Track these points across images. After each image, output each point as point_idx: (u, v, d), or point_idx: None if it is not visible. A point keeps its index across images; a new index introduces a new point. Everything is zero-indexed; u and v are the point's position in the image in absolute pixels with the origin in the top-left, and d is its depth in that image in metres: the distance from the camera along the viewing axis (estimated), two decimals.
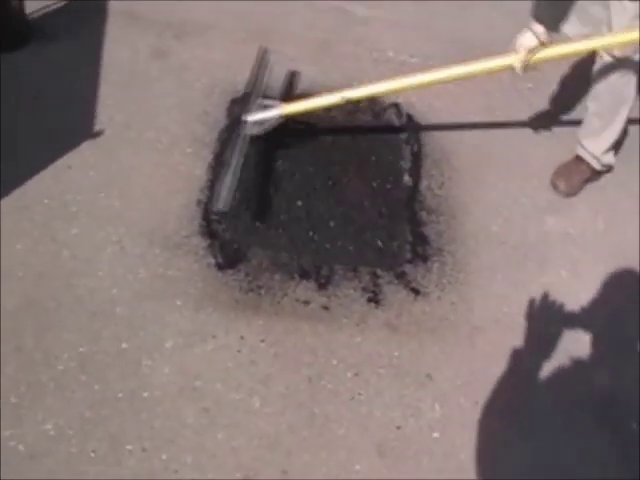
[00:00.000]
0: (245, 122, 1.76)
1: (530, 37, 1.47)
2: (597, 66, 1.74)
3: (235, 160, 1.67)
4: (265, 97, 1.84)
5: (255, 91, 1.85)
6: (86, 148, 1.77)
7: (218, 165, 1.77)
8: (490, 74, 1.62)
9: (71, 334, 1.45)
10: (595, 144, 1.88)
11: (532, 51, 1.48)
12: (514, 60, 1.51)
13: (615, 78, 1.71)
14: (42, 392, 1.36)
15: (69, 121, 1.84)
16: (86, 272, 1.55)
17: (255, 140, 1.77)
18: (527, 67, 1.52)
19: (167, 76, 2.01)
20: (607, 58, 1.69)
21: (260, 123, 1.76)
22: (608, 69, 1.71)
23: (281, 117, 1.74)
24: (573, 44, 1.53)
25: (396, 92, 1.79)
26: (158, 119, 1.88)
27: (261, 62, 1.95)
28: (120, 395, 1.38)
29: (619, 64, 1.68)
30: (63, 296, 1.50)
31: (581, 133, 1.92)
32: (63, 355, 1.42)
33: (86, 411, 1.35)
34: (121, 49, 2.05)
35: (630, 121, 1.92)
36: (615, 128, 1.83)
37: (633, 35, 1.47)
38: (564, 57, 1.59)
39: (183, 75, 2.02)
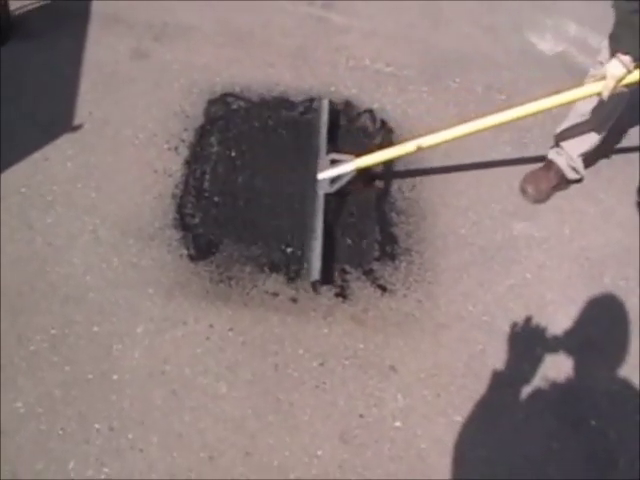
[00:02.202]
0: (319, 181, 1.90)
1: (619, 67, 1.72)
2: (597, 71, 1.94)
3: (318, 225, 1.80)
4: (333, 152, 1.98)
5: (320, 146, 1.97)
6: (64, 141, 2.01)
7: (307, 230, 1.85)
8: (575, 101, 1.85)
9: (44, 317, 1.65)
10: (573, 143, 2.12)
11: (620, 79, 1.74)
12: (602, 88, 1.76)
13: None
14: (14, 372, 1.56)
15: (48, 115, 2.08)
16: (60, 259, 1.76)
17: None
18: (613, 92, 1.77)
19: (146, 76, 2.27)
20: None
21: (334, 180, 1.91)
22: None
23: (355, 171, 1.89)
24: None
25: (476, 133, 1.88)
26: (136, 116, 2.13)
27: (320, 112, 2.08)
28: (90, 377, 1.58)
29: None
30: (37, 281, 1.71)
31: (560, 130, 2.15)
32: (35, 337, 1.62)
33: (56, 391, 1.55)
34: (102, 49, 2.31)
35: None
36: (598, 130, 2.07)
37: None
38: None
39: (162, 75, 2.28)
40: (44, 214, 1.84)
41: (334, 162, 1.93)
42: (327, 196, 1.89)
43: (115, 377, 1.59)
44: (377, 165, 2.00)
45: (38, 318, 1.65)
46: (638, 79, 1.76)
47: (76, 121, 2.06)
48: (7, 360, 1.58)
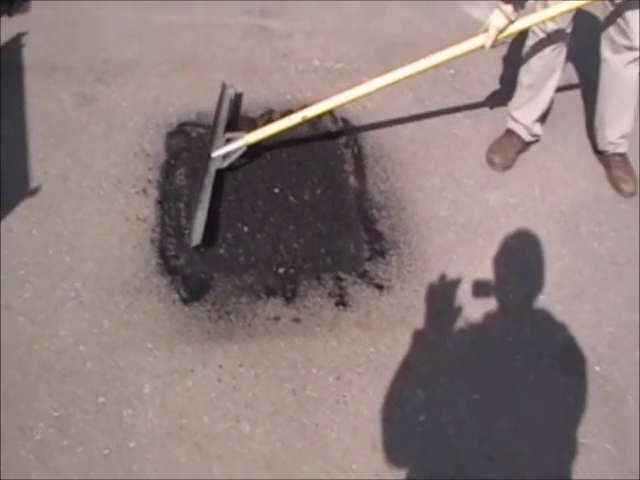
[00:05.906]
0: (212, 158, 1.76)
1: (500, 17, 1.55)
2: (530, 41, 1.84)
3: (205, 196, 1.68)
4: (228, 131, 1.85)
5: (218, 127, 1.85)
6: (25, 208, 1.70)
7: (190, 203, 1.71)
8: (462, 57, 1.65)
9: (43, 401, 1.39)
10: (526, 114, 1.97)
11: (502, 29, 1.57)
12: (485, 40, 1.59)
13: (548, 51, 1.80)
14: (24, 467, 1.30)
15: (2, 183, 1.75)
16: (47, 335, 1.48)
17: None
18: (496, 43, 1.60)
19: (97, 120, 1.95)
20: (541, 34, 1.77)
21: (226, 156, 1.78)
22: (541, 43, 1.79)
23: (245, 147, 1.76)
24: (534, 17, 1.61)
25: (354, 100, 1.76)
26: (95, 165, 1.83)
27: (222, 98, 1.93)
28: (106, 451, 1.33)
29: (551, 37, 1.77)
30: (28, 364, 1.44)
31: (512, 106, 2.01)
32: (39, 424, 1.35)
33: (74, 476, 1.30)
34: (45, 101, 1.97)
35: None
36: (545, 97, 1.93)
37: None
38: (527, 28, 1.67)
39: (114, 117, 1.97)
40: (20, 290, 1.54)
41: (229, 140, 1.81)
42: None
43: (132, 445, 1.35)
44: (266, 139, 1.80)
45: (37, 403, 1.38)
46: (519, 30, 1.59)
47: (33, 183, 1.74)
48: (13, 455, 1.31)
